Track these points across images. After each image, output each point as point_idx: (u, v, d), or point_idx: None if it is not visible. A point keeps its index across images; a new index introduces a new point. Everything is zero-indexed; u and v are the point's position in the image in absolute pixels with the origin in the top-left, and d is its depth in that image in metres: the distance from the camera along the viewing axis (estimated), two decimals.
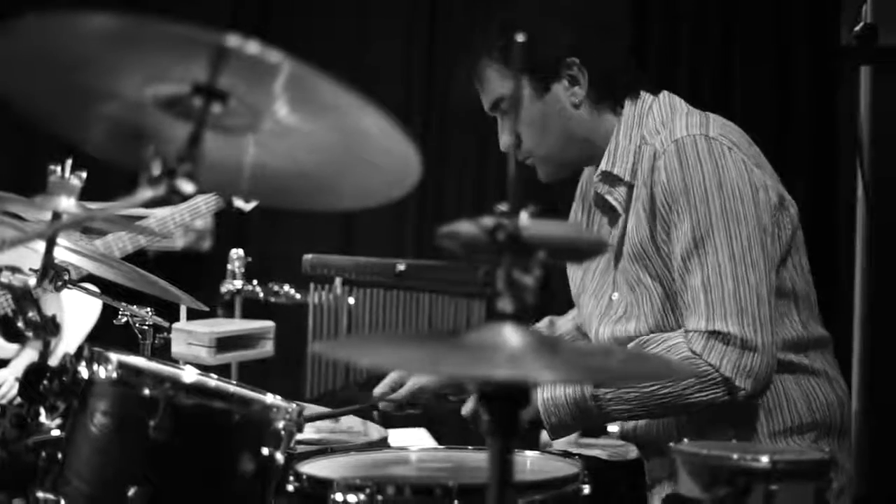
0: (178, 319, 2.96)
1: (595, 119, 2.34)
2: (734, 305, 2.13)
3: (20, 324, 1.89)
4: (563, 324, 2.69)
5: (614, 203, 2.34)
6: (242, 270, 3.49)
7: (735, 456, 1.67)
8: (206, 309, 2.57)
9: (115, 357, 1.80)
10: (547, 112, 2.33)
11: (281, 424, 1.81)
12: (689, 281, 2.18)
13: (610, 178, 2.34)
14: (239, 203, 3.73)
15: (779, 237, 2.23)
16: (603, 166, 2.33)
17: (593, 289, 2.44)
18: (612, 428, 3.23)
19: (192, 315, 2.92)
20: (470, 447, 2.10)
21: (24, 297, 1.90)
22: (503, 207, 1.34)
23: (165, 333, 2.46)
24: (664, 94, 2.36)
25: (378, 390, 2.47)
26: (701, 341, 2.13)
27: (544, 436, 3.94)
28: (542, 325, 2.69)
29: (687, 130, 2.22)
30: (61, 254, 2.13)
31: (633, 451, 2.46)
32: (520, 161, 2.35)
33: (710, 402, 2.14)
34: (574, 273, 2.52)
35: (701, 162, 2.18)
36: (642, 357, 1.85)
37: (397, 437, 2.81)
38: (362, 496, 1.72)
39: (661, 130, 2.26)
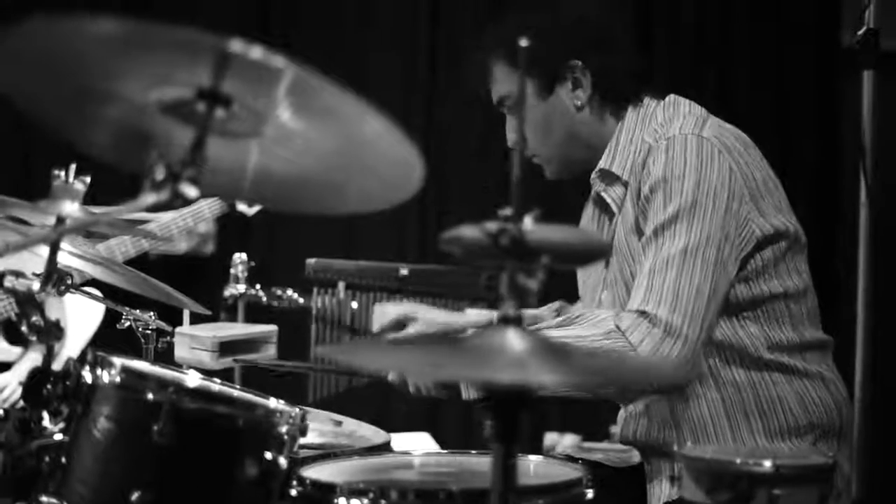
0: (181, 323, 2.96)
1: (598, 122, 2.36)
2: (671, 293, 2.12)
3: (24, 328, 1.89)
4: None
5: (609, 201, 2.36)
6: (245, 274, 3.48)
7: (738, 460, 1.67)
8: (209, 313, 2.57)
9: (118, 361, 1.80)
10: (550, 114, 2.35)
11: (284, 429, 1.81)
12: (642, 266, 2.19)
13: (608, 177, 2.35)
14: (242, 207, 3.73)
15: (742, 250, 2.20)
16: (602, 164, 2.35)
17: (591, 288, 2.46)
18: (613, 429, 3.23)
19: (195, 319, 2.92)
20: (473, 451, 2.10)
21: (27, 302, 1.90)
22: (506, 212, 1.34)
23: (168, 338, 2.45)
24: (670, 97, 2.37)
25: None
26: (629, 319, 2.13)
27: (548, 440, 3.96)
28: (549, 308, 2.67)
29: (680, 130, 2.24)
30: (65, 258, 2.13)
31: (636, 457, 2.46)
32: (527, 159, 2.37)
33: None
34: (581, 272, 2.53)
35: (686, 158, 2.19)
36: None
37: (401, 441, 2.81)
38: (366, 500, 1.72)
39: (659, 130, 2.28)
